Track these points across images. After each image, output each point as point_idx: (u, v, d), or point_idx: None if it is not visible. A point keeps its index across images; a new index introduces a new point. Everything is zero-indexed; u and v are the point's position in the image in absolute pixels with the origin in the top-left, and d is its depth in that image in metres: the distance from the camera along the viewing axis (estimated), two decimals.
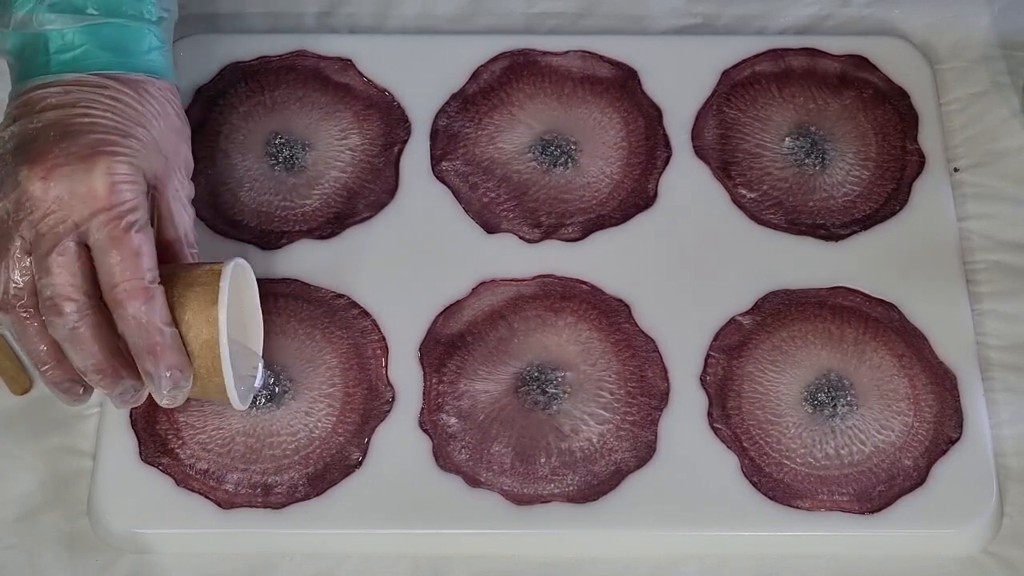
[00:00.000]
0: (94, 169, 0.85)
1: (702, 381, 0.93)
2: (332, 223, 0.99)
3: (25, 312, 0.86)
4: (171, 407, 0.89)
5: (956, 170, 1.02)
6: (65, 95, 0.88)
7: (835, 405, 0.92)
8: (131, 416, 0.92)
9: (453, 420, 0.92)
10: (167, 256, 0.89)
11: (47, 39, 0.89)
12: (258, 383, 0.92)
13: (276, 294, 0.96)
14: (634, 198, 1.00)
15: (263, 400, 0.92)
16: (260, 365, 0.92)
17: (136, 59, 0.91)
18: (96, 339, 0.85)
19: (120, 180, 0.86)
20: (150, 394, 0.87)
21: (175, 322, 0.85)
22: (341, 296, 0.96)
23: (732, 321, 0.95)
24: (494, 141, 1.02)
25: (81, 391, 0.88)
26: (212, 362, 0.86)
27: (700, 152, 1.01)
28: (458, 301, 0.96)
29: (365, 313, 0.96)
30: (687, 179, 1.00)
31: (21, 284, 0.85)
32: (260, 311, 0.92)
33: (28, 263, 0.85)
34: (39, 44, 0.90)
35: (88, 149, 0.86)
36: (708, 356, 0.94)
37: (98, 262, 0.85)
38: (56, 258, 0.84)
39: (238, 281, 0.89)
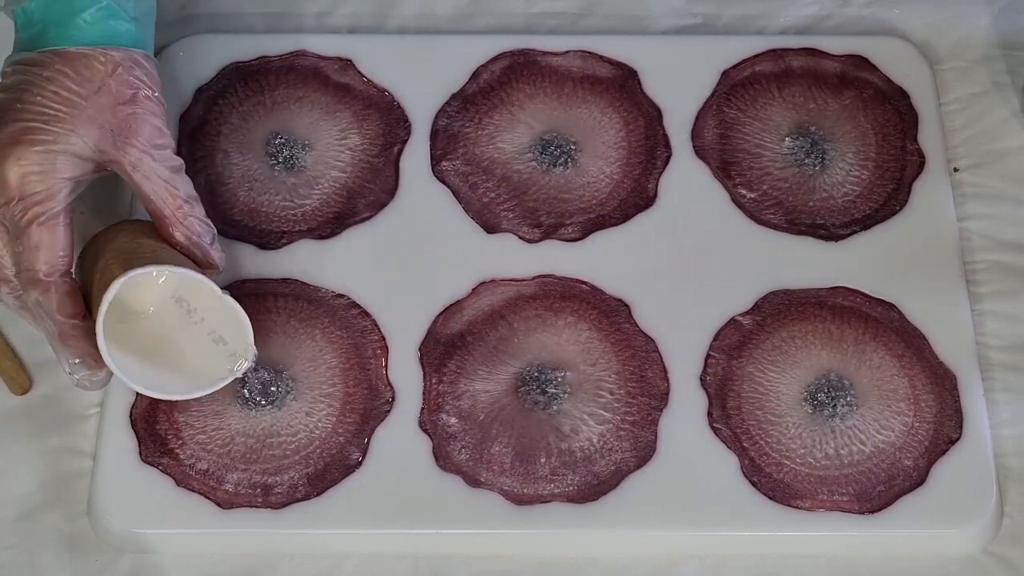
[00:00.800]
0: (8, 160, 0.87)
1: (702, 381, 0.93)
2: (332, 223, 0.99)
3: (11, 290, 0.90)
4: (92, 391, 0.91)
5: (956, 170, 1.02)
6: (10, 78, 0.90)
7: (835, 405, 0.92)
8: (131, 416, 0.92)
9: (453, 420, 0.92)
10: (159, 226, 0.91)
11: (15, 17, 0.91)
12: (240, 371, 0.90)
13: (276, 294, 0.96)
14: (634, 198, 1.00)
15: (263, 402, 0.92)
16: (247, 363, 0.91)
17: (84, 32, 0.90)
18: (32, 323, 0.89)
19: (31, 171, 0.87)
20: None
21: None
22: (341, 296, 0.96)
23: (732, 321, 0.95)
24: (494, 141, 1.02)
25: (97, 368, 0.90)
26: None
27: (700, 152, 1.01)
28: (458, 301, 0.96)
29: (365, 313, 0.96)
30: (687, 179, 1.00)
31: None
32: (234, 307, 0.90)
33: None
34: (13, 23, 0.91)
35: (8, 138, 0.87)
36: (708, 356, 0.94)
37: (11, 250, 0.88)
38: None
39: (169, 284, 0.90)
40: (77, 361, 0.88)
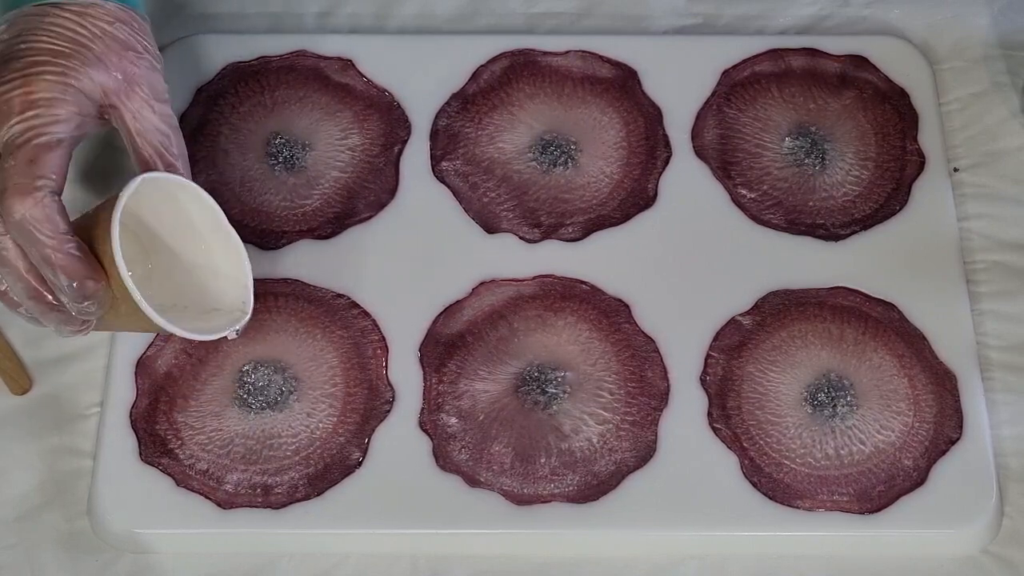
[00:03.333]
0: (15, 87, 0.85)
1: (702, 381, 0.93)
2: (332, 223, 0.99)
3: None
4: (85, 331, 0.86)
5: (956, 170, 1.02)
6: (10, 27, 0.88)
7: (835, 405, 0.92)
8: (131, 416, 0.92)
9: (453, 420, 0.92)
10: None
11: None
12: (248, 309, 0.89)
13: (276, 294, 0.96)
14: (634, 198, 1.00)
15: (265, 406, 0.92)
16: (250, 292, 0.89)
17: None
18: (20, 259, 0.83)
19: (39, 98, 0.85)
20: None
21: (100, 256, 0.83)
22: (341, 296, 0.96)
23: (732, 321, 0.95)
24: (494, 141, 1.02)
25: (74, 322, 0.86)
26: (124, 297, 0.82)
27: (700, 152, 1.01)
28: (458, 301, 0.96)
29: (365, 313, 0.96)
30: (687, 179, 1.00)
31: None
32: (232, 234, 0.88)
33: None
34: None
35: (17, 73, 0.85)
36: (708, 356, 0.94)
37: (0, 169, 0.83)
38: None
39: (171, 200, 0.87)
40: (74, 284, 0.82)
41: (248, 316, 0.89)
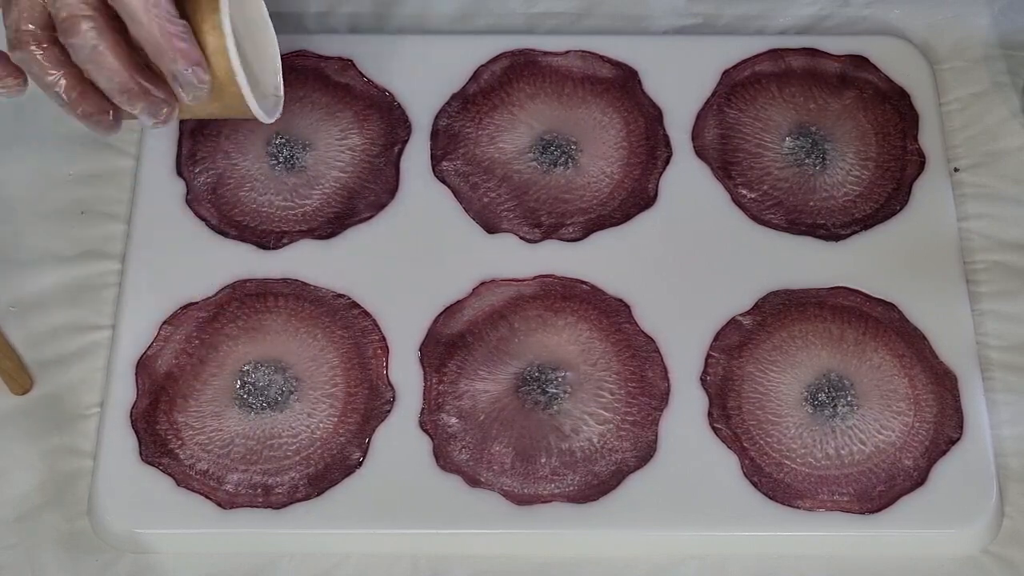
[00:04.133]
0: None
1: (702, 381, 0.93)
2: (332, 223, 0.99)
3: (38, 46, 0.84)
4: (193, 108, 0.88)
5: (956, 170, 1.02)
6: None
7: (835, 405, 0.92)
8: (131, 416, 0.92)
9: (453, 420, 0.92)
10: None
11: None
12: (280, 93, 0.92)
13: (276, 294, 0.96)
14: (634, 198, 1.00)
15: (266, 406, 0.92)
16: (279, 77, 0.92)
17: None
18: (116, 55, 0.84)
19: None
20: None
21: None
22: (341, 296, 0.96)
23: (732, 321, 0.95)
24: (494, 141, 1.02)
25: (111, 117, 0.87)
26: (225, 72, 0.86)
27: (700, 152, 1.01)
28: (458, 301, 0.96)
29: (365, 313, 0.96)
30: (687, 179, 1.00)
31: (33, 18, 0.84)
32: (269, 23, 0.91)
33: None
34: None
35: None
36: (708, 356, 0.94)
37: None
38: None
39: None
40: (191, 69, 0.85)
41: (282, 100, 0.92)
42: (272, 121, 0.91)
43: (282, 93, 0.93)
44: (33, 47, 0.84)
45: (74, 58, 0.84)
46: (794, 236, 0.98)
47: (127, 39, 0.85)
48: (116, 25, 0.84)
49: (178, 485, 0.90)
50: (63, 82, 0.85)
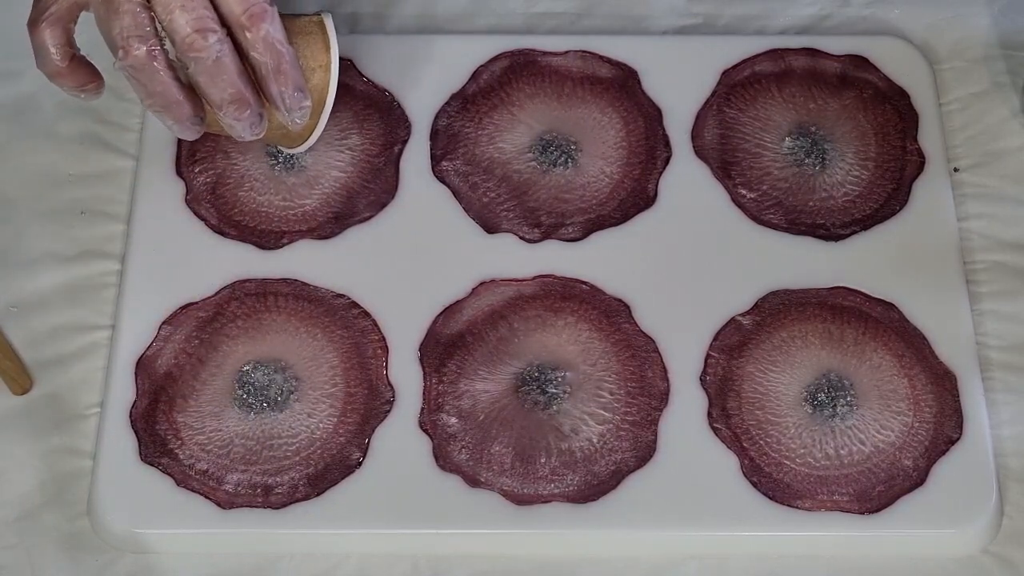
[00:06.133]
0: None
1: (702, 381, 0.93)
2: (332, 223, 0.99)
3: (149, 52, 0.87)
4: (298, 129, 0.93)
5: (956, 170, 1.02)
6: None
7: (835, 405, 0.92)
8: (131, 416, 0.92)
9: (453, 420, 0.92)
10: None
11: None
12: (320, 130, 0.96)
13: (276, 294, 0.96)
14: (634, 198, 1.00)
15: (266, 406, 0.92)
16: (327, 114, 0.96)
17: None
18: (235, 69, 0.88)
19: None
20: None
21: None
22: (341, 296, 0.96)
23: (732, 321, 0.95)
24: (494, 141, 1.02)
25: (201, 122, 0.91)
26: (315, 106, 0.93)
27: (700, 152, 1.01)
28: (458, 301, 0.96)
29: (365, 313, 0.96)
30: (687, 179, 1.00)
31: (141, 26, 0.87)
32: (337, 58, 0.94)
33: (145, 7, 0.87)
34: None
35: None
36: (708, 356, 0.94)
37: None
38: None
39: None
40: (297, 94, 0.90)
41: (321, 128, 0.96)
42: (305, 149, 0.97)
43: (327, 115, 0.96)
44: (147, 54, 0.88)
45: (191, 69, 0.88)
46: (794, 236, 0.98)
47: (238, 50, 0.89)
48: (231, 42, 0.88)
49: (178, 485, 0.90)
50: (172, 88, 0.89)
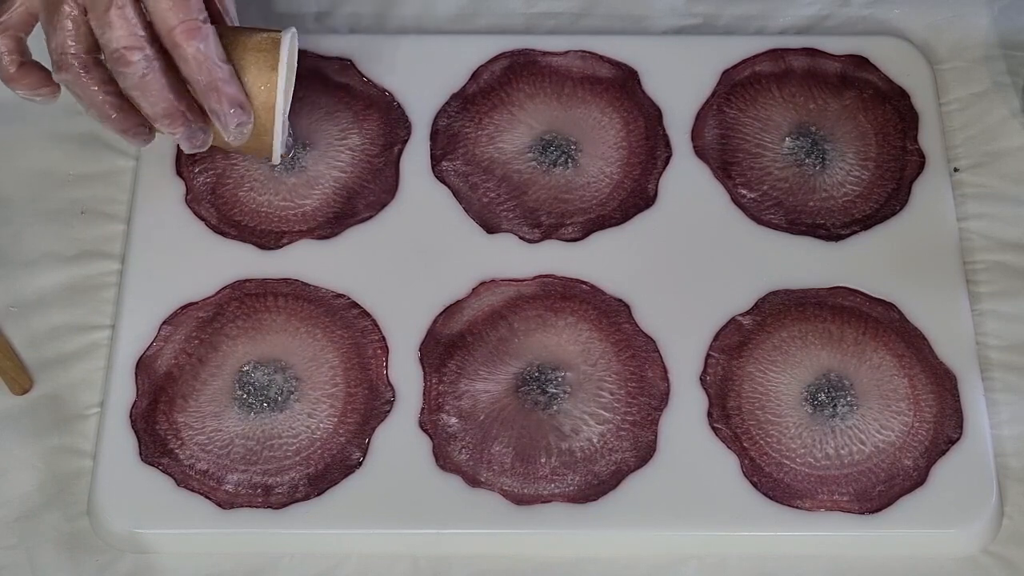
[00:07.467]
0: None
1: (702, 381, 0.93)
2: (332, 223, 0.99)
3: (83, 68, 0.90)
4: (237, 144, 0.93)
5: (956, 170, 1.02)
6: None
7: (835, 405, 0.92)
8: (131, 416, 0.92)
9: (453, 420, 0.92)
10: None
11: None
12: (289, 141, 0.98)
13: (276, 294, 0.96)
14: (634, 198, 1.00)
15: (263, 405, 0.92)
16: (287, 124, 0.97)
17: None
18: (163, 85, 0.89)
19: None
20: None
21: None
22: (341, 296, 0.96)
23: (732, 321, 0.95)
24: (494, 141, 1.02)
25: (148, 132, 0.93)
26: (265, 123, 0.93)
27: (700, 152, 1.01)
28: (458, 301, 0.96)
29: (365, 313, 0.96)
30: (687, 179, 1.00)
31: (78, 40, 0.89)
32: (294, 74, 0.95)
33: (83, 21, 0.89)
34: None
35: None
36: (708, 356, 0.94)
37: (152, 10, 0.88)
38: (115, 11, 0.88)
39: (289, 50, 0.94)
40: (234, 110, 0.91)
41: (289, 138, 0.97)
42: (278, 162, 0.96)
43: (290, 140, 0.98)
44: (79, 70, 0.90)
45: (120, 84, 0.89)
46: (794, 236, 0.98)
47: (173, 65, 0.90)
48: (164, 56, 0.89)
49: (178, 485, 0.90)
50: (107, 100, 0.90)
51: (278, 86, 0.92)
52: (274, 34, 0.93)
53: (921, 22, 1.07)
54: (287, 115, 0.96)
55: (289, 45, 0.93)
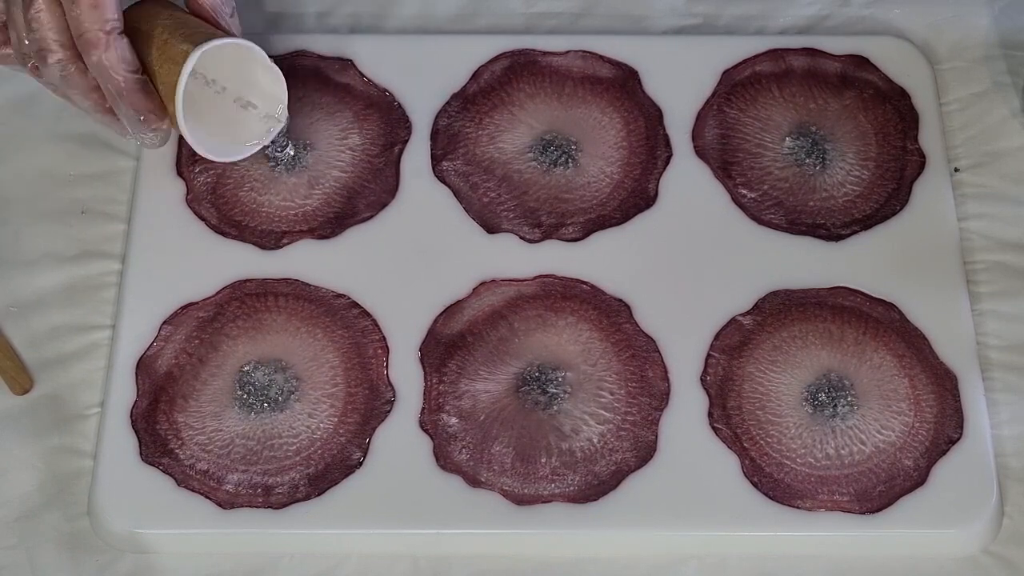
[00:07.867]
0: None
1: (702, 381, 0.93)
2: (332, 223, 0.99)
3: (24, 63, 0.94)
4: (154, 148, 0.97)
5: (956, 170, 1.02)
6: None
7: (835, 405, 0.92)
8: (131, 416, 0.92)
9: (453, 420, 0.92)
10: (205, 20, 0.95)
11: None
12: (283, 141, 0.99)
13: (276, 294, 0.96)
14: (634, 198, 1.00)
15: (264, 405, 0.92)
16: (284, 115, 0.97)
17: None
18: (87, 84, 0.93)
19: None
20: None
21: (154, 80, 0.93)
22: (341, 296, 0.96)
23: (732, 321, 0.95)
24: (494, 141, 1.02)
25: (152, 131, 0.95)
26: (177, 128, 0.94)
27: (700, 152, 1.01)
28: (458, 301, 0.96)
29: (365, 313, 0.96)
30: (687, 179, 1.00)
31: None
32: (277, 72, 0.95)
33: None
34: None
35: None
36: (708, 356, 0.94)
37: (67, 14, 0.91)
38: (33, 14, 0.91)
39: (230, 54, 0.94)
40: (141, 118, 0.93)
41: (282, 123, 0.97)
42: (241, 159, 0.97)
43: (285, 118, 0.97)
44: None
45: (47, 78, 0.93)
46: (794, 236, 0.98)
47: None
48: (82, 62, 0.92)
49: (178, 485, 0.90)
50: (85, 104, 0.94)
51: (177, 101, 0.92)
52: (187, 47, 0.92)
53: (921, 22, 1.07)
54: (286, 115, 0.96)
55: (225, 49, 0.92)
